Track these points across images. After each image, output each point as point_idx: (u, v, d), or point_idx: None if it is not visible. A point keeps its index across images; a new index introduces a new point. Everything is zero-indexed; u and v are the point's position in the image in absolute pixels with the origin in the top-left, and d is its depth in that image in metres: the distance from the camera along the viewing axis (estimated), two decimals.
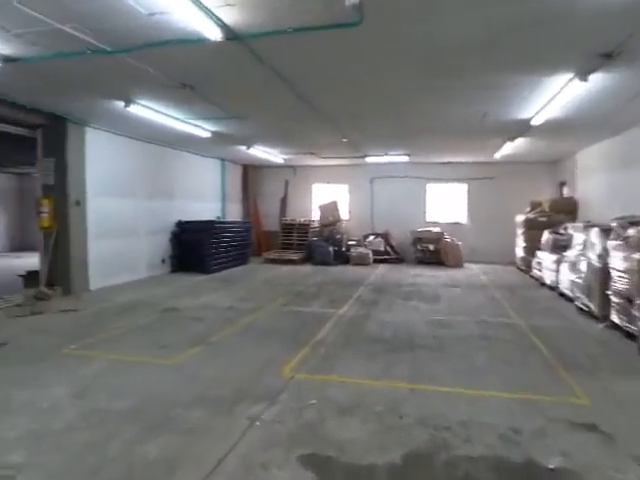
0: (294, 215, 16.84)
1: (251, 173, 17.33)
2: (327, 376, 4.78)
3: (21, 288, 8.90)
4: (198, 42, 4.71)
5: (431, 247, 14.79)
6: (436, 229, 15.30)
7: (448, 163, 15.50)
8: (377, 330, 6.60)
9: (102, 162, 9.82)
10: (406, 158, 14.30)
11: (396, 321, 7.13)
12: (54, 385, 4.45)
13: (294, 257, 14.81)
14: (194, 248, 12.33)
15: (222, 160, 15.33)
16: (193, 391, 4.33)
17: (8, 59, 5.30)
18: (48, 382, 4.53)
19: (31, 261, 15.64)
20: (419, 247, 14.98)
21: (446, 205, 16.21)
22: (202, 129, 9.77)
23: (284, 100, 7.31)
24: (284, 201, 17.54)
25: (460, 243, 14.76)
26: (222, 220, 14.96)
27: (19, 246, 19.09)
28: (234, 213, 16.37)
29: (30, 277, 9.06)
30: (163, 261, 12.12)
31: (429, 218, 16.18)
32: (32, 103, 7.80)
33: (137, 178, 11.10)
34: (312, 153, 13.90)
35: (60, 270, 8.91)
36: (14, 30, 4.53)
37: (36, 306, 7.73)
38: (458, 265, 14.23)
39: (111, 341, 5.96)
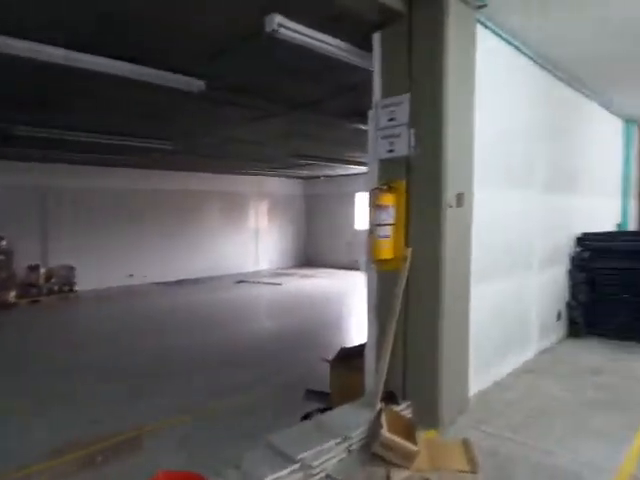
0: None
1: None
2: None
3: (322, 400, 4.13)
4: None
5: None
6: None
7: None
8: None
9: (492, 112, 4.37)
10: None
11: None
12: None
13: None
14: (621, 290, 6.01)
15: (626, 122, 8.43)
16: None
17: None
18: None
19: (325, 284, 13.00)
20: None
21: None
22: None
23: None
24: None
25: None
26: None
27: (302, 262, 17.52)
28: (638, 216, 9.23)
29: (344, 366, 4.21)
30: (559, 316, 6.13)
31: None
32: None
33: (533, 149, 5.35)
34: None
35: (411, 358, 3.80)
36: None
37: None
38: None
39: None
